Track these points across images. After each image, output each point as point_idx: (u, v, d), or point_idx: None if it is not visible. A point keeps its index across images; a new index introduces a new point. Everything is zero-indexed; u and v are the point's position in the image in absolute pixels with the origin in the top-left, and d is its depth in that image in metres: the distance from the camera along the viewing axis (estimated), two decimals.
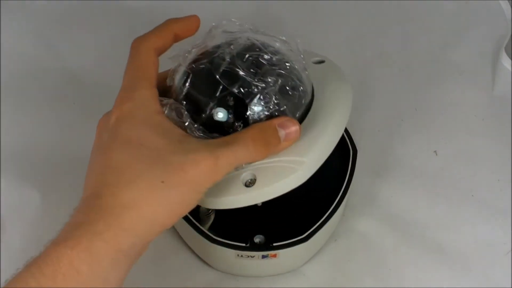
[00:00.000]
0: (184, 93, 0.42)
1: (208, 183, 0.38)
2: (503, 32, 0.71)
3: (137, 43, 0.42)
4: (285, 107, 0.41)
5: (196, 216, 0.50)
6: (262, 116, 0.41)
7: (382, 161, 0.61)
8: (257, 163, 0.41)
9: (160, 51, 0.42)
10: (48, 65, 0.67)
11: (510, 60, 0.66)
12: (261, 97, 0.41)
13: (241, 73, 0.41)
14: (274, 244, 0.49)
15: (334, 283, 0.53)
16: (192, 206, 0.38)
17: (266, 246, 0.49)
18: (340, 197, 0.52)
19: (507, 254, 0.54)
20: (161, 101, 0.41)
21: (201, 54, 0.43)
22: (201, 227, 0.50)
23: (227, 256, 0.50)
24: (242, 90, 0.41)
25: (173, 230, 0.56)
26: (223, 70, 0.41)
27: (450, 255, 0.54)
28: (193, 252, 0.54)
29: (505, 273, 0.53)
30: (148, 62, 0.41)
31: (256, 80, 0.41)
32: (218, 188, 0.41)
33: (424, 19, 0.73)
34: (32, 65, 0.68)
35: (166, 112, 0.40)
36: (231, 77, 0.41)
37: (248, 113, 0.41)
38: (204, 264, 0.54)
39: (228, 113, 0.41)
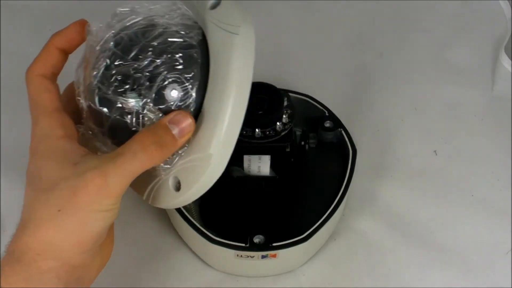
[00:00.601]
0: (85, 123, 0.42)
1: (106, 200, 0.37)
2: (503, 32, 0.71)
3: (26, 74, 0.41)
4: (171, 104, 0.39)
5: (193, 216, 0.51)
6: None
7: (382, 161, 0.61)
8: (178, 164, 0.40)
9: (53, 73, 0.41)
10: None
11: (510, 60, 0.66)
12: (140, 112, 0.39)
13: (111, 96, 0.39)
14: (274, 244, 0.49)
15: (334, 283, 0.53)
16: (102, 225, 0.38)
17: (266, 246, 0.49)
18: (339, 197, 0.52)
19: (507, 254, 0.54)
20: (77, 129, 0.41)
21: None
22: (201, 228, 0.50)
23: (227, 256, 0.50)
24: (121, 112, 0.39)
25: (173, 230, 0.56)
26: (98, 98, 0.39)
27: (450, 255, 0.54)
28: (193, 252, 0.54)
29: (505, 273, 0.53)
30: (39, 90, 0.40)
31: (126, 96, 0.39)
32: (156, 196, 0.42)
33: (424, 19, 0.74)
34: None
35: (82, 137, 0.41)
36: (106, 103, 0.39)
37: (134, 131, 0.39)
38: (204, 264, 0.54)
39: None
